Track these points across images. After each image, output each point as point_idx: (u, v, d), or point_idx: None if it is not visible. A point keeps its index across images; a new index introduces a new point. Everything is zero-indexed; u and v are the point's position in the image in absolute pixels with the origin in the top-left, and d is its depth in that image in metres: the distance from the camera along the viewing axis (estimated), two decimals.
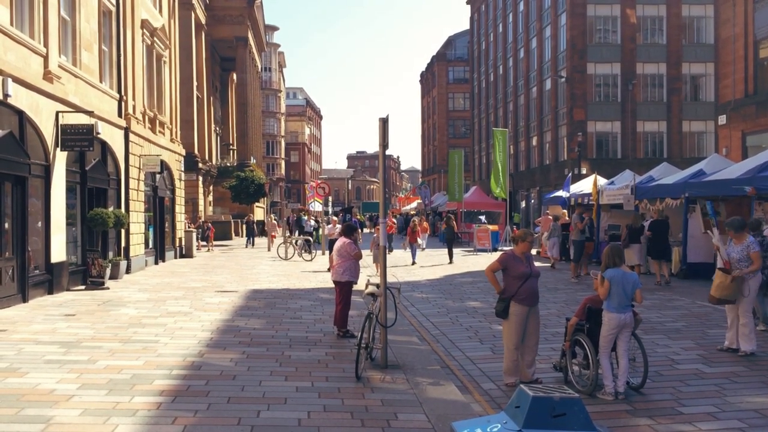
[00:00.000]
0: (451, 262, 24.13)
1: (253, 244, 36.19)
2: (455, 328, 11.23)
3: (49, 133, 14.78)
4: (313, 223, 33.58)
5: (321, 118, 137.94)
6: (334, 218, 23.26)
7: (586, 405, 4.45)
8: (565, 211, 23.65)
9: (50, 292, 14.71)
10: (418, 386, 7.30)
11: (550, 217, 23.25)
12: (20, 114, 13.59)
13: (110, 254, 18.54)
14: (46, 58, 14.76)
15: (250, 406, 6.53)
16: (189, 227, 29.43)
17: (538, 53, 53.50)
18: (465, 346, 9.79)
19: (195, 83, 40.52)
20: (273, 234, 34.02)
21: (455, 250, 25.88)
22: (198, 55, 42.52)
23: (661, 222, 17.08)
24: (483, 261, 23.65)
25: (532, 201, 54.35)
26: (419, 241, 28.67)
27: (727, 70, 26.85)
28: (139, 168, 21.18)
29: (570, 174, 31.61)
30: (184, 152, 28.72)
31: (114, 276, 17.52)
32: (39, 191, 14.58)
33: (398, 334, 9.81)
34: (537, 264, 7.94)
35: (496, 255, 8.72)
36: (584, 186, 25.90)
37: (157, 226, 23.93)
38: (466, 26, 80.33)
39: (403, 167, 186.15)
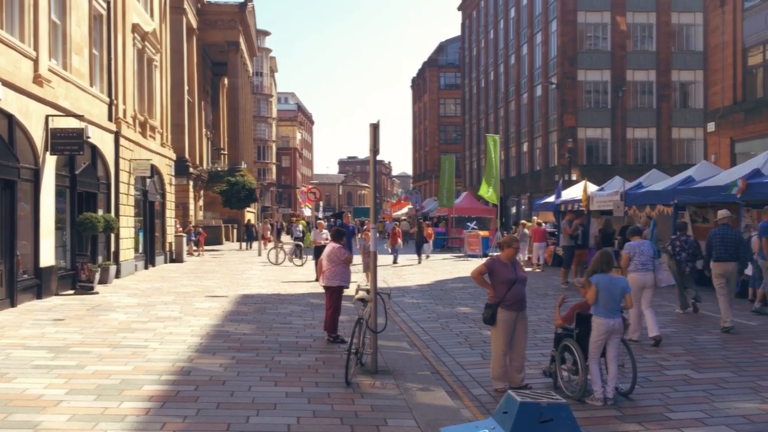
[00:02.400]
0: (419, 262, 26.75)
1: (251, 247, 38.41)
2: (445, 334, 11.25)
3: (38, 136, 14.71)
4: (301, 228, 33.58)
5: (312, 123, 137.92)
6: (320, 221, 22.75)
7: (575, 411, 4.48)
8: (536, 218, 24.87)
9: (39, 296, 14.61)
10: (408, 392, 7.30)
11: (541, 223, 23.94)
12: (10, 118, 13.52)
13: (100, 259, 18.45)
14: (36, 61, 14.71)
15: (240, 411, 6.52)
16: (179, 232, 29.30)
17: (529, 60, 53.71)
18: (455, 351, 9.80)
19: (186, 88, 40.43)
20: (266, 237, 34.76)
21: (445, 255, 26.46)
22: (189, 60, 42.43)
23: (607, 231, 18.42)
24: (473, 266, 23.76)
25: (523, 207, 54.48)
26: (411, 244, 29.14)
27: (716, 78, 27.05)
28: (130, 172, 21.10)
29: (561, 181, 31.73)
30: (174, 156, 28.66)
31: (103, 280, 17.44)
32: (28, 195, 14.50)
33: (388, 340, 9.81)
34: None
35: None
36: (574, 192, 26.02)
37: (147, 230, 23.83)
38: (458, 32, 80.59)
39: (394, 172, 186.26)
